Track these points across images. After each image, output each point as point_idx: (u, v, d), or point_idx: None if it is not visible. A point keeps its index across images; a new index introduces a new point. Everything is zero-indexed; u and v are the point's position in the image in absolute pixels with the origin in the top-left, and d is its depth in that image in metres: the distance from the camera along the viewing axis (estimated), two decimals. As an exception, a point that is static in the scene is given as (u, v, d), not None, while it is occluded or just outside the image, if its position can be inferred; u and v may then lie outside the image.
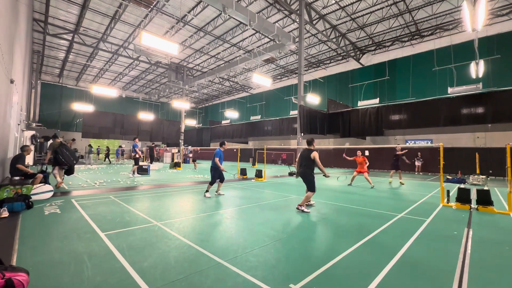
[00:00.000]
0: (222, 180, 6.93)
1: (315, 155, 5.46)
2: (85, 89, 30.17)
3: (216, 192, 7.10)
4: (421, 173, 17.05)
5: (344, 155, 10.59)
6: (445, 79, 16.96)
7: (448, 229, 4.24)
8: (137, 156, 11.33)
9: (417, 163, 16.97)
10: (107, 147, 23.43)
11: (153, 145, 19.45)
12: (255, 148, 29.50)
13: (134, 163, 11.54)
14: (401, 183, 10.63)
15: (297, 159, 5.92)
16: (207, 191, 6.78)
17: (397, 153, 10.66)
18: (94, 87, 17.48)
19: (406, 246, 3.43)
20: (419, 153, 17.23)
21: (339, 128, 17.41)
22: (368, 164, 9.92)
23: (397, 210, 5.56)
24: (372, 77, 20.96)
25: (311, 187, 5.38)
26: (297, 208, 5.33)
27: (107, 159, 21.60)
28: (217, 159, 6.72)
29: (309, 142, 5.71)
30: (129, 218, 4.50)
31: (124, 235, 3.64)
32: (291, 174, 14.44)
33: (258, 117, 26.79)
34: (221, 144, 7.00)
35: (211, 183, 6.82)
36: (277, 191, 8.15)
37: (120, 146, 30.79)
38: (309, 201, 5.84)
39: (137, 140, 11.73)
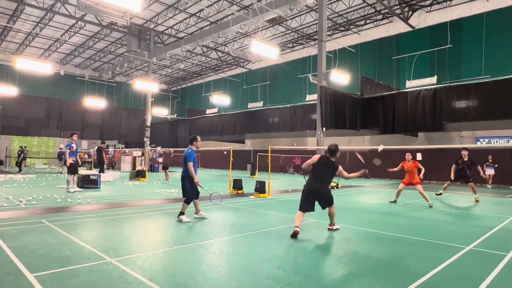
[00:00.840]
0: (197, 195, 6.92)
1: (341, 169, 5.87)
2: (5, 62, 30.21)
3: (196, 214, 7.08)
4: (490, 186, 17.08)
5: (388, 168, 10.09)
6: (535, 48, 16.98)
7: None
8: (70, 162, 11.23)
9: (489, 172, 17.01)
10: (21, 147, 21.73)
11: (102, 145, 19.32)
12: (255, 150, 29.55)
13: (67, 172, 11.43)
14: (476, 200, 10.85)
15: (306, 165, 6.02)
16: (182, 213, 6.73)
17: (464, 159, 10.78)
18: (19, 60, 17.49)
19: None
20: (490, 157, 17.25)
21: (378, 121, 17.41)
22: (423, 171, 9.84)
23: (462, 240, 5.56)
24: (427, 45, 20.98)
25: (330, 200, 5.92)
26: (329, 229, 6.13)
27: (23, 166, 20.56)
28: (190, 164, 6.61)
29: (333, 152, 5.90)
30: (70, 252, 4.49)
31: (63, 277, 3.63)
32: (307, 187, 14.43)
33: (259, 105, 26.84)
34: (192, 141, 6.87)
35: (187, 202, 6.78)
36: (287, 213, 8.15)
37: (60, 148, 30.91)
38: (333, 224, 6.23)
39: (74, 137, 11.64)
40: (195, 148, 6.82)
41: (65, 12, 21.61)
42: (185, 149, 6.83)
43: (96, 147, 19.54)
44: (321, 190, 5.79)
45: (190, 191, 6.71)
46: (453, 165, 11.16)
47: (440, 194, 12.03)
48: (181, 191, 6.89)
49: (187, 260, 4.34)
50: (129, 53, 25.71)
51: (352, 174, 5.97)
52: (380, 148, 8.90)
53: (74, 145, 11.43)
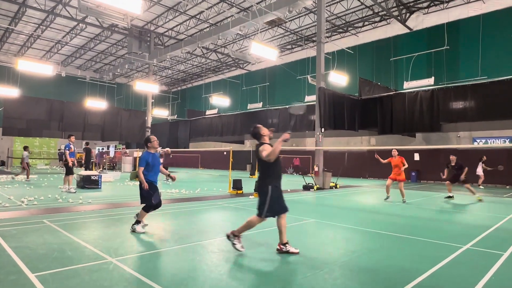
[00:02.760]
0: (157, 205, 5.89)
1: (264, 149, 4.57)
2: (7, 64, 30.20)
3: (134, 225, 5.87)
4: (482, 186, 17.08)
5: (376, 155, 11.05)
6: (531, 49, 17.00)
7: (536, 268, 4.24)
8: (70, 162, 11.30)
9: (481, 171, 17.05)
10: (25, 147, 21.01)
11: (88, 145, 19.27)
12: (254, 150, 29.55)
13: (65, 172, 11.49)
14: (480, 200, 11.22)
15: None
16: (138, 222, 5.81)
17: (452, 164, 11.56)
18: (20, 62, 17.48)
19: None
20: (484, 157, 17.21)
21: (376, 121, 17.42)
22: (406, 166, 10.43)
23: (460, 240, 5.57)
24: (424, 46, 21.00)
25: (262, 207, 4.66)
26: (229, 238, 4.73)
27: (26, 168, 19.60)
28: (140, 169, 5.73)
29: (255, 135, 4.83)
30: (72, 252, 4.48)
31: (64, 277, 3.62)
32: (306, 187, 14.48)
33: (258, 105, 26.85)
34: (146, 143, 5.95)
35: (145, 209, 5.85)
36: (287, 213, 8.15)
37: (59, 149, 30.89)
38: (238, 236, 4.73)
39: (72, 138, 11.69)
40: (152, 151, 5.93)
41: (66, 14, 21.61)
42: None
43: (84, 148, 19.64)
44: (257, 186, 4.83)
45: (147, 197, 5.76)
46: (445, 168, 11.90)
47: (452, 197, 11.65)
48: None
49: (187, 259, 4.33)
50: (129, 55, 25.70)
51: (274, 149, 4.52)
52: (372, 144, 9.29)
53: (72, 146, 11.50)
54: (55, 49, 30.15)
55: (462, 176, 11.26)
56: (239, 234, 4.72)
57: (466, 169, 11.32)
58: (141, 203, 5.88)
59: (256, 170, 5.93)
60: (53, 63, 27.40)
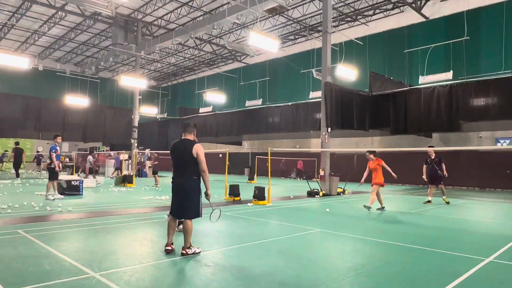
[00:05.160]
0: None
1: (198, 150, 4.99)
2: (-22, 57, 30.09)
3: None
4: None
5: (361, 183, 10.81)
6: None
7: None
8: (53, 165, 11.32)
9: None
10: (4, 152, 21.36)
11: (19, 146, 19.00)
12: (253, 152, 29.56)
13: (49, 177, 11.53)
14: (447, 202, 11.59)
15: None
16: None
17: (432, 157, 11.65)
18: (-7, 54, 17.45)
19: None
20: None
21: (388, 120, 17.44)
22: (388, 168, 10.32)
23: (481, 251, 5.57)
24: (442, 37, 21.06)
25: (192, 211, 5.02)
26: (183, 254, 4.98)
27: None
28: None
29: (187, 127, 5.23)
30: (49, 266, 4.47)
31: (41, 293, 3.62)
32: (311, 194, 14.49)
33: (258, 103, 26.90)
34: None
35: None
36: (290, 222, 8.17)
37: (37, 152, 30.81)
38: (190, 246, 5.09)
39: (59, 139, 11.69)
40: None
41: (44, 1, 21.62)
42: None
43: (14, 148, 19.19)
44: (183, 186, 5.12)
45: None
46: (424, 165, 11.86)
47: (429, 201, 11.89)
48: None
49: (178, 274, 4.33)
50: (114, 46, 25.70)
51: (205, 176, 5.09)
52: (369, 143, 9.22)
53: (58, 148, 11.49)
54: (31, 40, 30.13)
55: (445, 173, 11.36)
56: (190, 245, 5.09)
57: (443, 164, 11.48)
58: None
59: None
60: (29, 56, 27.35)
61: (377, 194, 10.42)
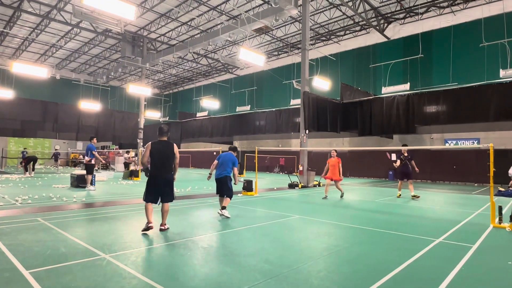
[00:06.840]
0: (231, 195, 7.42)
1: (176, 148, 5.67)
2: (2, 66, 29.29)
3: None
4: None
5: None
6: (496, 58, 17.51)
7: (501, 259, 4.37)
8: (92, 161, 11.80)
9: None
10: (23, 150, 21.19)
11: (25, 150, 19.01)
12: (242, 151, 29.51)
13: (87, 171, 11.90)
14: (415, 197, 10.84)
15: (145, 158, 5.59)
16: (224, 207, 7.07)
17: (405, 154, 11.33)
18: (15, 65, 17.04)
19: (445, 285, 3.50)
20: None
21: (356, 123, 17.65)
22: (340, 169, 10.70)
23: (433, 234, 5.69)
24: (400, 54, 21.40)
25: (172, 196, 5.68)
26: (161, 230, 5.58)
27: (29, 169, 18.54)
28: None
29: (164, 130, 5.63)
30: (65, 249, 4.40)
31: (58, 273, 3.55)
32: (291, 186, 14.54)
33: (246, 108, 26.82)
34: (234, 150, 7.77)
35: None
36: (274, 210, 8.20)
37: (55, 149, 30.14)
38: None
39: (95, 140, 12.26)
40: None
41: (61, 19, 21.13)
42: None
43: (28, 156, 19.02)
44: (165, 181, 5.53)
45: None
46: (397, 160, 11.40)
47: (400, 196, 11.35)
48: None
49: (178, 255, 4.30)
50: (123, 59, 25.31)
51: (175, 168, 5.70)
52: (334, 145, 9.22)
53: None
54: (49, 52, 29.43)
55: (417, 169, 11.14)
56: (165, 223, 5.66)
57: (413, 162, 11.32)
58: (230, 196, 7.19)
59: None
60: (47, 66, 26.65)
61: (326, 186, 10.81)
